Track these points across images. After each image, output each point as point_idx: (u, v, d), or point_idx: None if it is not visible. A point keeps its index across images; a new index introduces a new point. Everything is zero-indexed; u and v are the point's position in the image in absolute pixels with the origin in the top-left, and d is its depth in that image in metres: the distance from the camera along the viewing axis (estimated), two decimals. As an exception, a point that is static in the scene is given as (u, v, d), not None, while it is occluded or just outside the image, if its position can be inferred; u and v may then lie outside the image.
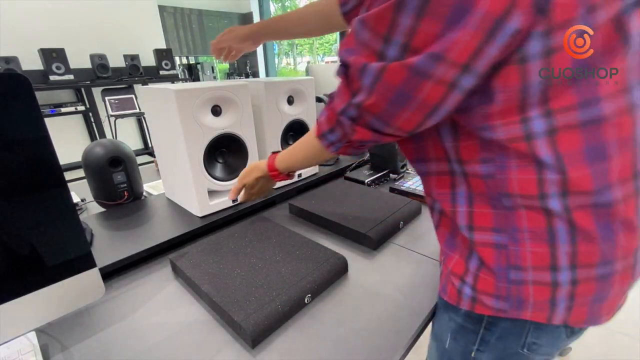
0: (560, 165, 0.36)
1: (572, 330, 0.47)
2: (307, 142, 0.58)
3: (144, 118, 3.75)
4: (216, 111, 0.78)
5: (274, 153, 0.70)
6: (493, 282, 0.45)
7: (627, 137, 0.36)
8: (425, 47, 0.35)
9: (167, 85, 0.75)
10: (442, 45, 0.34)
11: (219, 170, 0.83)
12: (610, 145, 0.36)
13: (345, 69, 0.43)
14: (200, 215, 0.80)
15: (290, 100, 0.96)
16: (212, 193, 0.82)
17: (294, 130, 0.99)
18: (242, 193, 0.76)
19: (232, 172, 0.85)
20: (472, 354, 0.53)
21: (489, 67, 0.34)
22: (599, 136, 0.35)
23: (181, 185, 0.83)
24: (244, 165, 0.84)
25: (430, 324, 0.66)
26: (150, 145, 4.00)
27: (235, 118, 0.80)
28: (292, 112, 0.96)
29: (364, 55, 0.40)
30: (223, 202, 0.84)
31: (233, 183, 0.78)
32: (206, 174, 0.79)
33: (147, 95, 0.83)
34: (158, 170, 1.28)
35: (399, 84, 0.37)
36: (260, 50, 5.77)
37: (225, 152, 0.85)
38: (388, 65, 0.37)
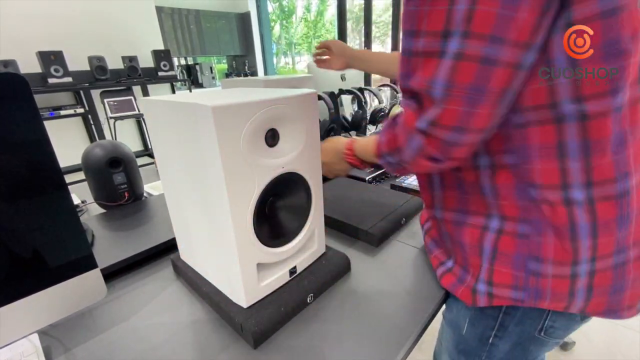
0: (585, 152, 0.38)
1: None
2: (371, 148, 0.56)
3: (144, 120, 3.74)
4: (273, 138, 0.48)
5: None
6: (510, 272, 0.45)
7: (637, 125, 0.39)
8: (485, 30, 0.33)
9: (190, 97, 0.46)
10: (502, 26, 0.33)
11: (268, 230, 0.51)
12: (627, 132, 0.38)
13: (410, 96, 0.41)
14: (246, 305, 0.51)
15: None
16: (261, 267, 0.51)
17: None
18: None
19: (285, 232, 0.54)
20: (490, 340, 0.53)
21: (543, 40, 0.35)
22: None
23: (213, 259, 0.54)
24: (303, 221, 0.56)
25: (442, 314, 0.66)
26: (150, 147, 3.99)
27: (299, 147, 0.50)
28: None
29: (423, 69, 0.38)
30: (277, 279, 0.54)
31: (291, 248, 0.54)
32: (256, 240, 0.49)
33: (154, 111, 0.52)
34: (159, 170, 1.28)
35: (472, 79, 0.35)
36: (258, 49, 5.76)
37: (275, 202, 0.52)
38: (457, 64, 0.35)
